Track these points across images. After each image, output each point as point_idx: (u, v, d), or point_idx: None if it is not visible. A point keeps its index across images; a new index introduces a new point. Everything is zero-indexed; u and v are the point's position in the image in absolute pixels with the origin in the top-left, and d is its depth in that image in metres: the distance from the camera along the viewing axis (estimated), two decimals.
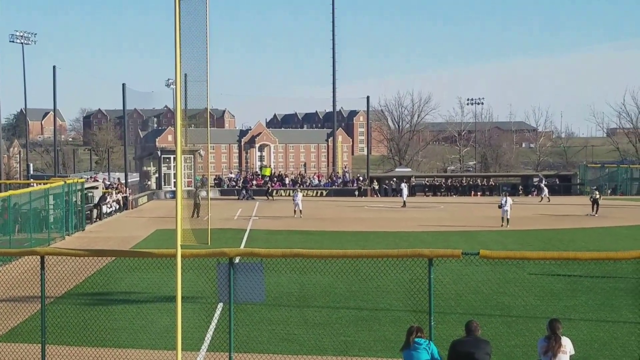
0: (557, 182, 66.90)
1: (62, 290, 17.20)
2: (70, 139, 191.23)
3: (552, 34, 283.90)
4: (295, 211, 41.87)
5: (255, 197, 58.65)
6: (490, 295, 18.03)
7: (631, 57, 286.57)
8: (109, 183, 54.02)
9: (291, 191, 58.52)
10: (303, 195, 61.44)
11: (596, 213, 42.19)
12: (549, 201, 53.12)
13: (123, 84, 60.19)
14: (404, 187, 52.90)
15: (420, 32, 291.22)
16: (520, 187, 63.47)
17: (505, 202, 36.47)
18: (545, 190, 55.93)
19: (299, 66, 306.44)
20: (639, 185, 65.73)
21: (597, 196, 44.08)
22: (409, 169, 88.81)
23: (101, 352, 13.34)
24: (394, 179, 64.07)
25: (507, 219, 35.94)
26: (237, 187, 63.44)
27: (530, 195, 58.92)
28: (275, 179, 67.36)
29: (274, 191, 59.72)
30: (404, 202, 50.44)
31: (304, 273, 17.30)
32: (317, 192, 63.79)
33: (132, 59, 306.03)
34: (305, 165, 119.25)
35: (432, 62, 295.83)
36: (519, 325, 15.27)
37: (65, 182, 34.50)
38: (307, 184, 66.98)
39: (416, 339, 9.69)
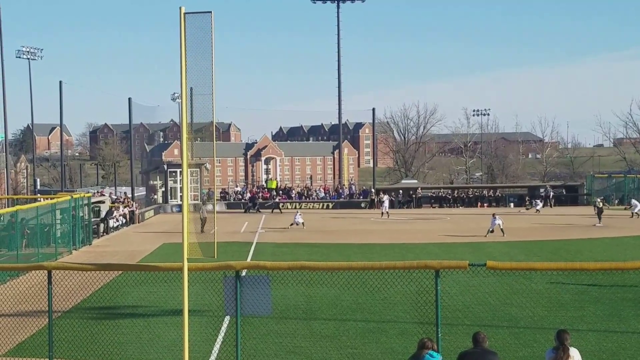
0: (564, 193, 66.76)
1: (69, 305, 17.23)
2: (77, 154, 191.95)
3: (557, 44, 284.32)
4: (294, 223, 42.07)
5: (261, 210, 58.68)
6: (497, 306, 17.98)
7: (637, 67, 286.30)
8: (115, 197, 54.15)
9: (297, 204, 58.78)
10: (310, 208, 61.89)
11: (600, 221, 42.48)
12: (539, 213, 53.02)
13: (129, 98, 60.54)
14: (386, 199, 52.86)
15: (425, 43, 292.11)
16: (527, 198, 63.32)
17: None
18: (540, 203, 55.75)
19: (304, 79, 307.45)
20: None
21: (601, 205, 44.43)
22: (415, 181, 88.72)
23: None
24: (379, 192, 63.78)
25: (501, 229, 36.28)
26: (243, 201, 63.52)
27: (523, 207, 58.57)
28: (282, 191, 67.39)
29: (281, 204, 59.77)
30: (385, 213, 50.67)
31: (311, 285, 17.30)
32: (323, 205, 63.79)
33: (138, 73, 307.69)
34: (311, 177, 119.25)
35: (437, 74, 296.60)
36: (527, 336, 15.22)
37: (72, 196, 34.60)
38: (313, 196, 67.00)
39: (430, 352, 9.63)
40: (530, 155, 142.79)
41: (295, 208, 55.57)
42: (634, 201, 50.29)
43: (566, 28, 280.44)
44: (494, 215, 38.01)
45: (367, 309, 17.91)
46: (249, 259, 27.51)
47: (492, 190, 67.38)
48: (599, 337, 14.93)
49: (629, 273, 16.41)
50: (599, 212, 43.62)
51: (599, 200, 47.08)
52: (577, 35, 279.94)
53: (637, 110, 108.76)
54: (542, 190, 62.33)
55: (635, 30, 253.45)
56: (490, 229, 36.53)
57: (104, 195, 51.34)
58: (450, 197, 64.82)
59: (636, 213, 47.55)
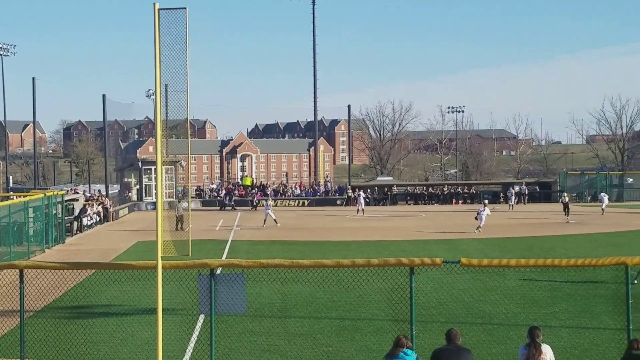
0: (538, 190, 67.35)
1: (42, 304, 17.04)
2: (51, 151, 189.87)
3: (531, 43, 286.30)
4: (265, 220, 41.74)
5: (237, 208, 58.51)
6: (471, 303, 18.08)
7: (610, 65, 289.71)
8: (89, 195, 53.67)
9: (273, 201, 58.39)
10: (286, 205, 61.77)
11: (567, 216, 43.60)
12: (512, 209, 53.79)
13: (103, 95, 60.13)
14: (361, 196, 52.96)
15: (400, 42, 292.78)
16: (501, 195, 63.83)
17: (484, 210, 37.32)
18: (513, 198, 56.59)
19: (280, 76, 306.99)
20: (618, 192, 66.34)
21: (567, 200, 45.84)
22: (391, 178, 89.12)
23: None
24: (356, 189, 63.88)
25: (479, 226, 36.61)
26: (219, 198, 63.27)
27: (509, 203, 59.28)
28: (257, 189, 67.25)
29: (258, 201, 59.49)
30: (361, 210, 50.72)
31: (286, 283, 17.29)
32: (298, 202, 63.77)
33: (112, 69, 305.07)
34: (287, 175, 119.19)
35: (412, 71, 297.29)
36: (500, 333, 15.32)
37: (45, 194, 34.25)
38: (289, 193, 66.93)
39: (405, 349, 9.66)
40: (504, 152, 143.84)
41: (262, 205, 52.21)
42: (602, 195, 50.98)
43: (539, 27, 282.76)
44: (484, 206, 38.16)
45: (342, 307, 17.93)
46: (224, 257, 27.42)
47: (466, 187, 67.80)
48: (571, 333, 15.06)
49: (601, 269, 16.57)
50: (565, 207, 44.78)
51: (565, 195, 48.56)
52: (550, 34, 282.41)
53: (609, 107, 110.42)
54: (516, 187, 62.83)
55: (607, 29, 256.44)
56: (480, 224, 36.65)
57: (77, 193, 50.93)
58: (425, 194, 65.12)
59: (602, 209, 48.32)
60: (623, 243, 32.02)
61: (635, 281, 20.37)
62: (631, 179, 72.37)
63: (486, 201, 41.93)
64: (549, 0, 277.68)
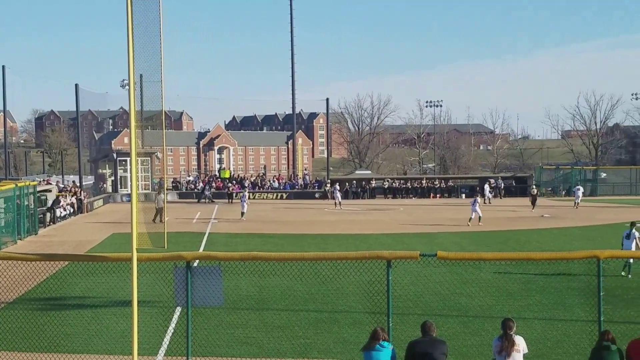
0: (514, 184, 67.87)
1: (14, 296, 16.88)
2: (22, 141, 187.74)
3: (508, 37, 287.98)
4: (242, 213, 41.73)
5: (215, 200, 58.30)
6: (447, 295, 18.18)
7: (585, 60, 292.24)
8: (62, 186, 53.16)
9: (251, 194, 58.11)
10: (264, 198, 61.66)
11: (533, 209, 46.15)
12: (490, 203, 54.32)
13: (76, 85, 59.52)
14: (337, 190, 53.11)
15: (379, 35, 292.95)
16: (477, 189, 64.28)
17: (475, 201, 38.26)
18: (488, 193, 57.25)
19: (258, 68, 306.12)
20: (592, 186, 67.03)
21: (535, 192, 48.97)
22: (369, 172, 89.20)
23: (54, 358, 13.09)
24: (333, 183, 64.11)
25: (471, 218, 37.22)
26: (196, 190, 63.01)
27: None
28: (235, 181, 67.06)
29: (234, 194, 59.23)
30: (338, 204, 50.82)
31: (263, 276, 17.25)
32: (276, 195, 63.68)
33: (86, 59, 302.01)
34: (265, 167, 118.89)
35: (391, 65, 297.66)
36: (476, 325, 15.42)
37: (16, 185, 33.84)
38: (267, 186, 66.82)
39: (382, 342, 9.73)
40: (481, 147, 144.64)
41: (249, 199, 51.59)
42: (577, 189, 51.61)
43: (516, 22, 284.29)
44: (478, 196, 38.89)
45: (320, 299, 17.92)
46: (201, 250, 27.31)
47: (444, 181, 68.13)
48: (545, 325, 15.20)
49: (574, 263, 16.76)
50: (533, 199, 47.60)
51: (533, 187, 50.79)
52: (527, 29, 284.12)
53: (584, 103, 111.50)
54: (492, 181, 63.32)
55: (582, 24, 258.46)
56: (472, 216, 37.24)
57: (50, 183, 50.40)
58: (403, 187, 65.35)
59: (577, 203, 49.03)
60: (596, 237, 32.37)
61: (623, 273, 20.70)
62: (604, 174, 73.24)
63: (481, 191, 44.02)
64: None
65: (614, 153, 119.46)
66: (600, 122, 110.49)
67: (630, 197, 61.14)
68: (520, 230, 35.26)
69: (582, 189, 52.59)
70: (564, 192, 64.87)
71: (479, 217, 37.52)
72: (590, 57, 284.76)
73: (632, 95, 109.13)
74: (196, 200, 59.32)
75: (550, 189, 67.08)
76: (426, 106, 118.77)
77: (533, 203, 47.75)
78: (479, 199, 39.17)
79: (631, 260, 20.56)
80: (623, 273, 20.84)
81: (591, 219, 41.39)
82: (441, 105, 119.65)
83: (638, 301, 16.96)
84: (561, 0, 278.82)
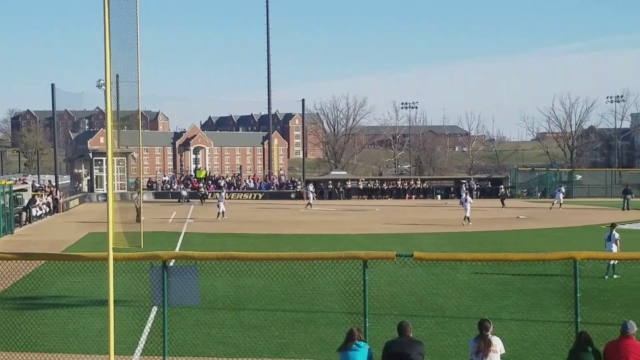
0: (489, 185, 68.34)
1: None
2: None
3: (483, 39, 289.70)
4: (218, 214, 41.69)
5: (191, 200, 58.07)
6: (424, 296, 18.24)
7: (559, 63, 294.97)
8: (38, 185, 52.67)
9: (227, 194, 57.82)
10: (240, 198, 61.50)
11: (503, 207, 49.61)
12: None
13: (52, 84, 58.96)
14: (309, 190, 53.40)
15: (355, 36, 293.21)
16: (452, 190, 64.75)
17: (466, 199, 39.32)
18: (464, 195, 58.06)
19: (234, 68, 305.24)
20: (567, 188, 67.65)
21: (503, 191, 53.75)
22: (345, 172, 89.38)
23: (30, 357, 12.97)
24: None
25: (466, 216, 38.32)
26: (172, 190, 62.71)
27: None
28: (210, 181, 66.81)
29: (209, 194, 58.97)
30: (309, 204, 51.09)
31: (240, 276, 17.19)
32: (252, 195, 63.57)
33: (62, 58, 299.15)
34: (240, 168, 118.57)
35: (367, 66, 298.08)
36: (452, 325, 15.50)
37: None
38: (243, 187, 66.66)
39: (358, 342, 9.76)
40: (457, 149, 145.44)
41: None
42: (559, 189, 52.18)
43: (492, 23, 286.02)
44: (465, 199, 39.12)
45: (296, 299, 17.92)
46: (177, 249, 27.19)
47: (419, 182, 68.43)
48: (521, 326, 15.32)
49: (550, 264, 16.87)
50: (502, 197, 51.34)
51: (501, 187, 53.66)
52: (501, 31, 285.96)
53: (559, 105, 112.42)
54: (464, 182, 63.81)
55: (557, 27, 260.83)
56: (467, 214, 38.10)
57: (26, 183, 49.92)
58: (379, 188, 65.56)
59: (556, 204, 49.50)
60: (572, 238, 32.68)
61: (607, 276, 20.88)
62: (579, 176, 74.03)
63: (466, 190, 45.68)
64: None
65: (589, 155, 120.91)
66: (576, 125, 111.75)
67: (605, 199, 61.73)
68: (496, 232, 35.51)
69: (564, 191, 53.20)
70: (539, 194, 65.45)
71: (467, 216, 37.95)
72: (565, 59, 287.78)
73: (607, 98, 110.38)
74: (176, 200, 58.98)
75: (525, 190, 67.62)
76: (402, 107, 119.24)
77: (502, 202, 51.25)
78: (469, 198, 40.17)
79: (613, 262, 20.73)
80: (607, 277, 20.96)
81: (567, 220, 41.78)
82: (417, 107, 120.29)
83: (615, 303, 17.11)
84: (535, 3, 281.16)
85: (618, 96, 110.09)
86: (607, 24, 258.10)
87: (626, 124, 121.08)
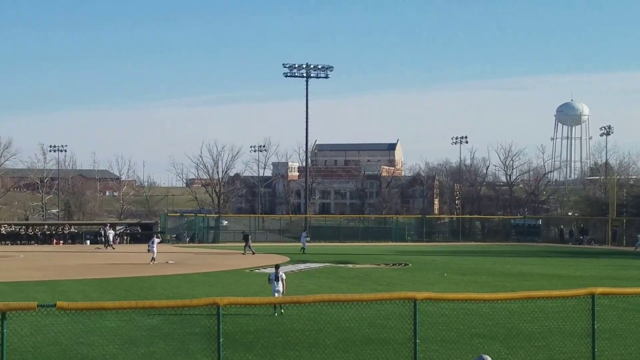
0: (140, 230, 68.53)
1: None
2: None
3: (141, 86, 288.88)
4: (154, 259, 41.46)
5: None
6: (69, 345, 17.79)
7: (206, 113, 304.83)
8: None
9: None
10: None
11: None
12: (114, 249, 55.35)
13: None
14: None
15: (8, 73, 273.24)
16: (99, 235, 63.73)
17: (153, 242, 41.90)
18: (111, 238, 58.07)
19: None
20: (215, 233, 70.54)
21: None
22: None
23: None
24: None
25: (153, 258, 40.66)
26: None
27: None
28: None
29: None
30: None
31: None
32: None
33: None
34: None
35: (13, 106, 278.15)
36: None
37: None
38: None
39: None
40: (107, 193, 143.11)
41: None
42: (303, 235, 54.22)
43: (143, 75, 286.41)
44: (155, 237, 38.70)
45: None
46: None
47: (68, 227, 66.18)
48: None
49: (196, 309, 17.63)
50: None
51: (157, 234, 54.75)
52: (164, 80, 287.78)
53: (207, 153, 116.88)
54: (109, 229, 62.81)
55: (197, 82, 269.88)
56: (154, 256, 39.43)
57: None
58: (24, 233, 62.10)
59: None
60: (216, 282, 34.15)
61: (277, 314, 22.15)
62: (226, 222, 77.71)
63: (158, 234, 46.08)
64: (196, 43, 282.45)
65: (235, 202, 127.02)
66: (222, 172, 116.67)
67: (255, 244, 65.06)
68: (145, 277, 35.70)
69: (307, 236, 56.54)
70: (188, 239, 67.20)
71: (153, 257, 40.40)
72: (206, 110, 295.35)
73: (251, 147, 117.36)
74: None
75: (175, 235, 68.95)
76: (50, 150, 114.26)
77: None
78: (156, 239, 42.86)
79: (277, 294, 22.70)
80: (277, 314, 22.33)
81: (215, 264, 43.51)
82: (65, 150, 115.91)
83: (257, 344, 18.25)
84: (183, 56, 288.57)
85: (260, 146, 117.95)
86: (241, 80, 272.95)
87: (268, 172, 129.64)
